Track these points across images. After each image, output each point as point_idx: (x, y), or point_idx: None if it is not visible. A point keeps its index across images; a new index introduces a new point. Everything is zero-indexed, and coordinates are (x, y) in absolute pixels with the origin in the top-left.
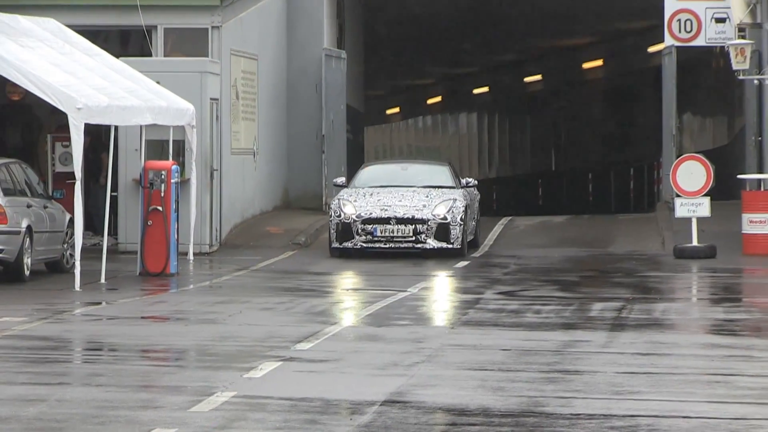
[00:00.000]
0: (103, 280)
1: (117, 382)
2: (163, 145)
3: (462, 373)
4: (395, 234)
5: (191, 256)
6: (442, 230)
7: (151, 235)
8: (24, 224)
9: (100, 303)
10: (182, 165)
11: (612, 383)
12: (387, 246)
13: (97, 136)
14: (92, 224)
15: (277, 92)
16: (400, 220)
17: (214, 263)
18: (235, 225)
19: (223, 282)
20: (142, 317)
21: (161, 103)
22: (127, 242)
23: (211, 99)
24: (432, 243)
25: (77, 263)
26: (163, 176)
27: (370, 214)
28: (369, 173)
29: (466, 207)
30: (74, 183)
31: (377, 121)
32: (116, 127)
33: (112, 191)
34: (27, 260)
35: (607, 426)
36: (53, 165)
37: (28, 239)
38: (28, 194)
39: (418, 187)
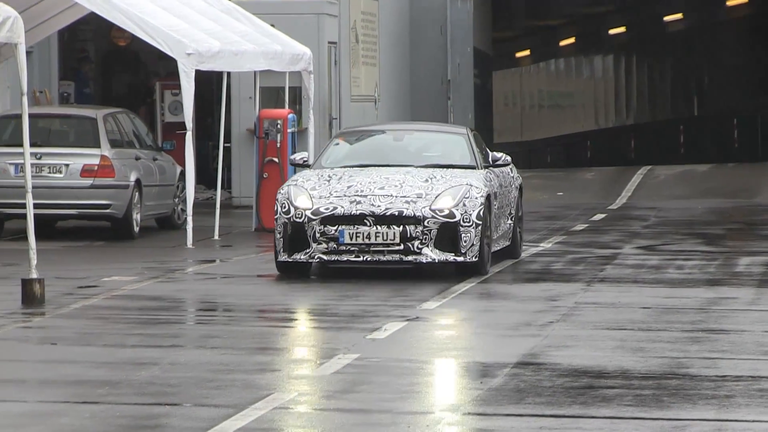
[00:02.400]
0: (216, 237)
1: (232, 344)
2: (279, 92)
3: (599, 333)
4: (373, 240)
5: None
6: (448, 234)
7: (267, 188)
8: (132, 178)
9: (213, 261)
10: (299, 113)
11: (760, 343)
12: (360, 258)
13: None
14: (204, 177)
15: (399, 35)
16: (381, 219)
17: None
18: None
19: None
20: (258, 275)
21: (276, 47)
22: (241, 196)
23: (329, 43)
24: (430, 254)
25: (189, 219)
26: (278, 125)
27: (334, 208)
28: (344, 146)
29: (489, 198)
30: (185, 133)
31: (506, 65)
32: (228, 74)
33: (225, 142)
34: (136, 216)
35: (755, 388)
36: (162, 114)
37: (137, 194)
38: (137, 146)
39: (417, 166)
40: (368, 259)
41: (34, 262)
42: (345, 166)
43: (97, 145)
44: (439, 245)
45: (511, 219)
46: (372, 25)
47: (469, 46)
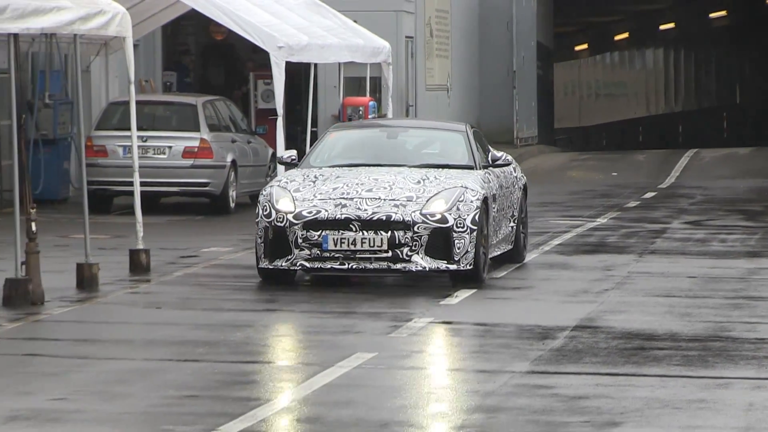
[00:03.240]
0: None
1: (320, 309)
2: (361, 81)
3: (650, 300)
4: (359, 246)
5: None
6: (440, 240)
7: None
8: (229, 158)
9: None
10: (379, 101)
11: None
12: (345, 266)
13: None
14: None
15: (470, 30)
16: (368, 224)
17: None
18: None
19: None
20: None
21: (358, 41)
22: None
23: (406, 37)
24: (420, 262)
25: None
26: (360, 112)
27: (318, 212)
28: (335, 143)
29: (486, 201)
30: (276, 119)
31: (566, 57)
32: (315, 65)
33: (312, 126)
34: (232, 193)
35: None
36: (255, 102)
37: (233, 173)
38: (233, 130)
39: (411, 166)
40: (354, 267)
41: (140, 234)
42: (334, 166)
43: (197, 129)
44: (431, 252)
45: (514, 221)
46: (445, 21)
47: (532, 40)
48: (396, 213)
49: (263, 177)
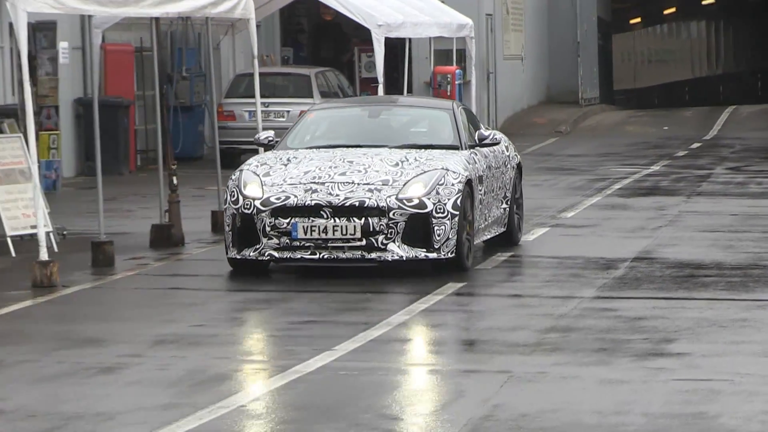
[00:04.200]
0: None
1: None
2: (448, 53)
3: (697, 235)
4: (330, 234)
5: None
6: (418, 227)
7: None
8: None
9: None
10: (464, 69)
11: None
12: (316, 256)
13: None
14: None
15: (540, 7)
16: (339, 210)
17: None
18: (508, 117)
19: None
20: None
21: (446, 18)
22: None
23: (486, 15)
24: (397, 250)
25: None
26: (448, 78)
27: (286, 198)
28: (315, 123)
29: (471, 183)
30: (377, 86)
31: (622, 30)
32: (410, 40)
33: (408, 92)
34: None
35: None
36: (360, 72)
37: None
38: (341, 96)
39: (392, 147)
40: (325, 256)
41: None
42: (311, 147)
43: (311, 96)
44: (408, 240)
45: (507, 203)
46: (519, 0)
47: (593, 15)
48: (370, 198)
49: None
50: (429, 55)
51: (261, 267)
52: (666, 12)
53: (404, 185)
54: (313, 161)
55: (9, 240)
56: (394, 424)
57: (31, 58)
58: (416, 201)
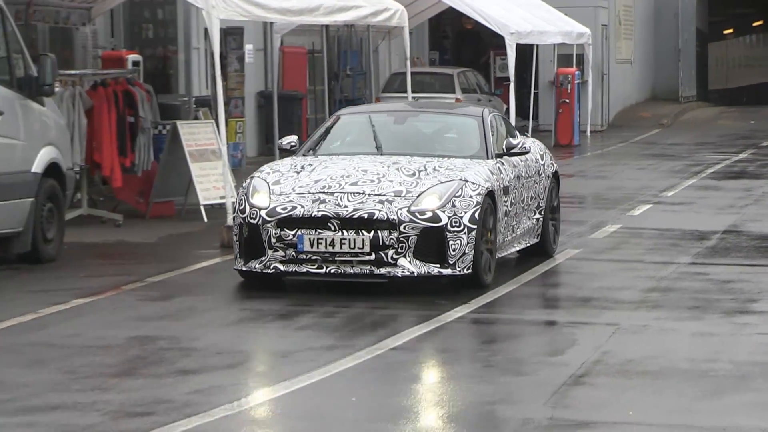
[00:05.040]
0: None
1: None
2: (569, 57)
3: None
4: (338, 248)
5: (588, 132)
6: (431, 241)
7: (561, 119)
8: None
9: None
10: (582, 71)
11: None
12: (323, 270)
13: None
14: (520, 111)
15: (647, 19)
16: (348, 222)
17: (604, 137)
18: (618, 111)
19: (610, 150)
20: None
21: (567, 28)
22: (543, 123)
23: (602, 25)
24: (407, 266)
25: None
26: (569, 79)
27: (293, 208)
28: (339, 128)
29: (493, 195)
30: (509, 84)
31: (717, 39)
32: (537, 45)
33: (534, 89)
34: None
35: None
36: (494, 72)
37: None
38: (478, 92)
39: (415, 155)
40: (332, 271)
41: None
42: (331, 154)
43: (453, 91)
44: (421, 255)
45: (540, 213)
46: (629, 13)
47: (693, 26)
48: (380, 210)
49: None
50: (553, 59)
51: (270, 279)
52: (754, 24)
53: (418, 197)
54: (327, 169)
55: (202, 208)
56: (520, 365)
57: (222, 58)
58: (429, 214)
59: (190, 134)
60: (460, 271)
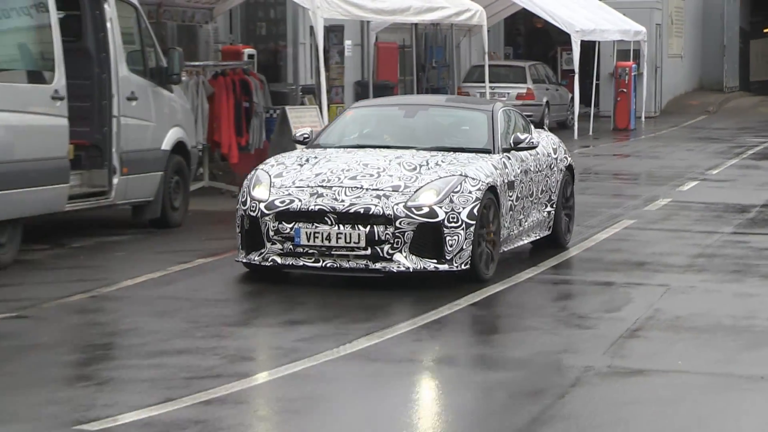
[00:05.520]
0: (590, 133)
1: (599, 192)
2: (627, 52)
3: None
4: (334, 242)
5: (643, 118)
6: (428, 236)
7: (620, 106)
8: (544, 99)
9: (588, 146)
10: (638, 64)
11: None
12: (320, 264)
13: None
14: (583, 99)
15: (696, 19)
16: (344, 216)
17: (657, 122)
18: (669, 100)
19: (662, 133)
20: (614, 155)
21: (625, 26)
22: (603, 110)
23: (656, 24)
24: (403, 261)
25: (575, 123)
26: (627, 71)
27: (291, 201)
28: (350, 121)
29: (495, 190)
30: (573, 75)
31: (758, 36)
32: (598, 42)
33: (596, 80)
34: (546, 120)
35: None
36: (561, 65)
37: (546, 108)
38: (547, 82)
39: (420, 149)
40: (328, 264)
41: None
42: (340, 146)
43: (525, 82)
44: (417, 250)
45: (551, 206)
46: (680, 13)
47: (736, 25)
48: (376, 205)
49: (565, 111)
50: (613, 53)
51: (263, 271)
52: None
53: (416, 192)
54: (329, 162)
55: None
56: (582, 320)
57: (325, 52)
58: (426, 209)
59: (297, 118)
60: (457, 266)
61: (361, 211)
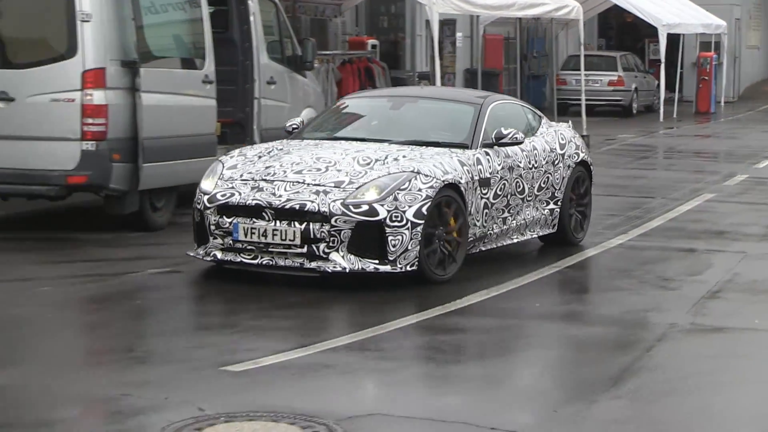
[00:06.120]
0: (674, 116)
1: (682, 168)
2: (708, 44)
3: None
4: (270, 238)
5: (722, 102)
6: (368, 235)
7: (701, 92)
8: (632, 86)
9: (672, 128)
10: (719, 54)
11: None
12: (257, 261)
13: None
14: (668, 86)
15: None
16: (281, 212)
17: (735, 107)
18: (746, 87)
19: (739, 117)
20: (695, 135)
21: (707, 21)
22: (686, 95)
23: (735, 19)
24: (340, 261)
25: (661, 106)
26: (708, 60)
27: (231, 195)
28: (337, 112)
29: (458, 187)
30: (660, 65)
31: None
32: (683, 35)
33: (680, 68)
34: (634, 104)
35: None
36: (648, 55)
37: (635, 94)
38: (635, 70)
39: (395, 142)
40: (265, 262)
41: (584, 125)
42: (317, 139)
43: (616, 69)
44: (356, 249)
45: (555, 203)
46: (759, 8)
47: None
48: (312, 202)
49: (651, 96)
50: (696, 45)
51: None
52: None
53: (358, 188)
54: (288, 155)
55: None
56: (667, 283)
57: (439, 42)
58: (366, 207)
59: None
60: (402, 268)
61: (297, 207)
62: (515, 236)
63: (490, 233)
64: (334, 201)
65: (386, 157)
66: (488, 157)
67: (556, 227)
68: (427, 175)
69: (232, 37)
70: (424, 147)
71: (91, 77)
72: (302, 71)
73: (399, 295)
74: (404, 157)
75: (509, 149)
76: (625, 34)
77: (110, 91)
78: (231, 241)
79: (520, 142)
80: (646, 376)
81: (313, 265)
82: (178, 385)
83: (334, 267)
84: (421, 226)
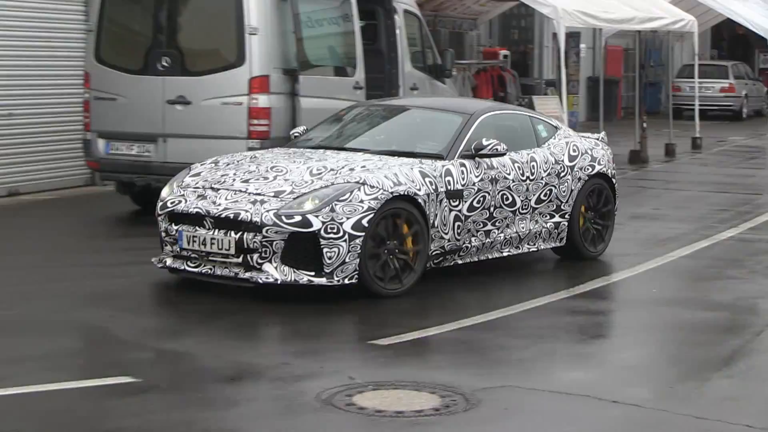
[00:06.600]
0: None
1: (717, 162)
2: None
3: None
4: (208, 247)
5: None
6: (303, 247)
7: None
8: (743, 93)
9: None
10: None
11: None
12: (199, 270)
13: None
14: None
15: None
16: (218, 221)
17: None
18: None
19: None
20: None
21: None
22: None
23: None
24: (273, 272)
25: None
26: None
27: (178, 203)
28: (335, 120)
29: (413, 200)
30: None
31: None
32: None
33: None
34: (744, 109)
35: None
36: (758, 64)
37: (745, 99)
38: (745, 78)
39: (373, 152)
40: (204, 270)
41: (698, 128)
42: (305, 147)
43: (727, 78)
44: (290, 261)
45: (562, 216)
46: None
47: None
48: (246, 211)
49: (760, 102)
50: None
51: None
52: None
53: (296, 199)
54: (252, 164)
55: None
56: None
57: (565, 53)
58: (298, 218)
59: (542, 105)
60: (339, 280)
61: (231, 216)
62: (506, 249)
63: (467, 246)
64: (267, 211)
65: (341, 168)
66: (463, 168)
67: (563, 240)
68: (372, 186)
69: (380, 48)
70: (395, 157)
71: (256, 83)
72: (442, 78)
73: (529, 278)
74: (362, 167)
75: (495, 161)
76: (736, 45)
77: (273, 96)
78: (178, 250)
79: (501, 154)
80: (756, 358)
81: (247, 275)
82: (331, 357)
83: (266, 278)
84: (361, 239)
